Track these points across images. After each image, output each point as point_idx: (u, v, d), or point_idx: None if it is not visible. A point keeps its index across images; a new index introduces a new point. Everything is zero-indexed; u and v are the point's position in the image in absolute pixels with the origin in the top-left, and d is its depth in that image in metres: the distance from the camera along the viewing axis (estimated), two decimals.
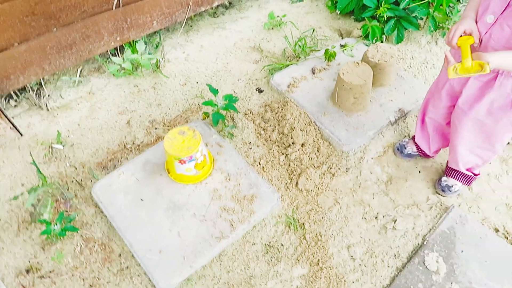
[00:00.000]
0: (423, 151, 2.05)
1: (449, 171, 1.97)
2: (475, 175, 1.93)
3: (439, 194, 1.99)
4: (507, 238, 1.85)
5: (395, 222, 1.89)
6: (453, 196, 1.98)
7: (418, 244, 1.83)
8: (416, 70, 2.51)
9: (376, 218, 1.92)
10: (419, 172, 2.08)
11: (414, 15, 2.59)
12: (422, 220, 1.90)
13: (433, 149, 2.01)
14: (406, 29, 2.62)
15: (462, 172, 1.92)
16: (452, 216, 1.86)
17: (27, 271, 1.82)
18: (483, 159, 1.82)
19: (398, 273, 1.75)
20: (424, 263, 1.74)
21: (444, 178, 1.99)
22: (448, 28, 2.65)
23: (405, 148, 2.09)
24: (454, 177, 1.96)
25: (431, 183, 2.04)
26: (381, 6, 2.57)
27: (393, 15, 2.58)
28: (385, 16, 2.55)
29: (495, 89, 1.51)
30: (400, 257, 1.80)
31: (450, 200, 1.97)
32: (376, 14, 2.59)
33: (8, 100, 2.46)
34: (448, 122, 1.83)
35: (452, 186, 1.96)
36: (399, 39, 2.62)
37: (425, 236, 1.84)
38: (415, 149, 2.07)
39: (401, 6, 2.59)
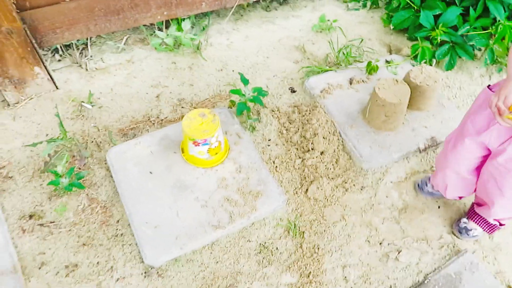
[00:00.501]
0: None
1: (472, 214, 1.83)
2: (501, 225, 1.79)
3: (454, 235, 1.86)
4: None
5: (399, 253, 1.78)
6: (470, 241, 1.85)
7: (418, 281, 1.72)
8: (461, 102, 2.36)
9: (380, 244, 1.82)
10: (439, 207, 1.95)
11: (471, 43, 2.44)
12: (429, 258, 1.78)
13: (451, 196, 1.85)
14: (460, 57, 2.47)
15: (486, 220, 1.78)
16: (462, 261, 1.74)
17: (30, 217, 1.88)
18: None
19: None
20: None
21: (464, 220, 1.86)
22: (506, 64, 2.47)
23: (426, 186, 1.95)
24: (476, 222, 1.82)
25: (448, 221, 1.91)
26: (437, 28, 2.44)
27: (449, 40, 2.45)
28: (438, 39, 2.41)
29: None
30: None
31: (465, 244, 1.84)
32: (430, 36, 2.46)
33: (54, 54, 2.56)
34: (475, 172, 1.68)
35: (471, 230, 1.82)
36: (450, 66, 2.48)
37: (427, 274, 1.73)
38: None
39: (459, 32, 2.45)
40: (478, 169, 1.65)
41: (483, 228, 1.82)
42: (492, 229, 1.81)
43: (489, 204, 1.66)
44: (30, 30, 2.10)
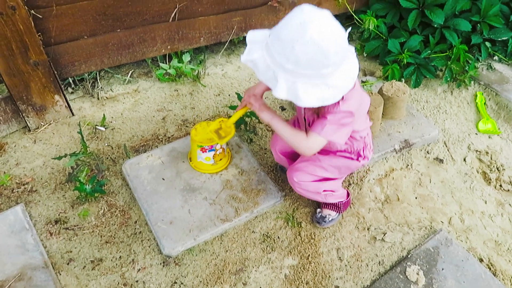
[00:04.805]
0: None
1: (322, 203, 2.06)
2: (345, 203, 2.07)
3: (316, 226, 2.08)
4: (489, 268, 1.96)
5: (384, 235, 2.05)
6: (331, 227, 2.07)
7: (403, 256, 1.97)
8: (428, 112, 2.73)
9: (368, 229, 2.09)
10: (416, 198, 2.24)
11: (432, 64, 2.85)
12: (410, 237, 2.05)
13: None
14: (424, 76, 2.87)
15: (332, 203, 2.02)
16: (438, 238, 2.01)
17: (56, 222, 2.09)
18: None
19: (379, 277, 1.89)
20: (405, 273, 1.88)
21: (318, 210, 2.08)
22: (464, 82, 2.87)
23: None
24: (327, 208, 2.05)
25: (426, 209, 2.19)
26: (403, 52, 2.85)
27: (414, 62, 2.85)
28: (405, 61, 2.82)
29: None
30: (384, 265, 1.94)
31: (440, 226, 2.12)
32: (398, 59, 2.87)
33: (67, 88, 2.86)
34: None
35: (326, 216, 2.05)
36: (417, 84, 2.87)
37: (410, 250, 1.99)
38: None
39: (422, 55, 2.87)
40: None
41: (334, 210, 2.04)
42: (340, 208, 2.04)
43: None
44: (53, 62, 2.41)
